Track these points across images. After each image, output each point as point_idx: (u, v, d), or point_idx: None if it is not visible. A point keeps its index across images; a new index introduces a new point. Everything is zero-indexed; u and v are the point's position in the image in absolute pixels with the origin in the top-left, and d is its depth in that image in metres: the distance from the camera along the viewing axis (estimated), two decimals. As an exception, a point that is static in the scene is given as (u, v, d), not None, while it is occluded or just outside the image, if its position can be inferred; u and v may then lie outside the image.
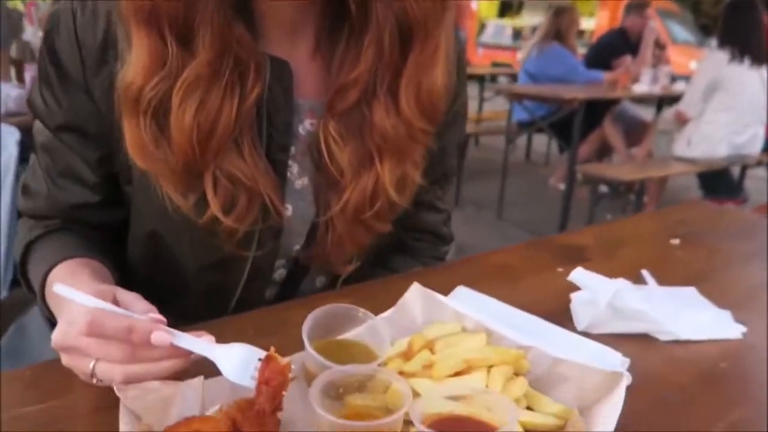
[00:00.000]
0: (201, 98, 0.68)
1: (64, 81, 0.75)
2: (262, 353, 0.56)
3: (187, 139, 0.69)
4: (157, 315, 0.59)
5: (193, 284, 0.83)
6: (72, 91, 0.76)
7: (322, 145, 0.77)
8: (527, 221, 4.44)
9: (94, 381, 0.56)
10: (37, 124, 0.81)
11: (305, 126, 0.81)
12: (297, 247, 0.85)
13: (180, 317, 0.82)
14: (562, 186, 4.77)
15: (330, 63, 0.79)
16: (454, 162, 1.00)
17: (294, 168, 0.82)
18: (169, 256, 0.82)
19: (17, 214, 0.88)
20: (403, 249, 1.00)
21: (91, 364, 0.55)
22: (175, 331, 0.57)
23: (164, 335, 0.55)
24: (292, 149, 0.80)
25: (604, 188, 4.80)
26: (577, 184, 4.43)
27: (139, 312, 0.58)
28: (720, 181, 4.28)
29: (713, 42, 4.07)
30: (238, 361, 0.57)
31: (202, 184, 0.72)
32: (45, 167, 0.81)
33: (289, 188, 0.81)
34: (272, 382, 0.52)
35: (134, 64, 0.68)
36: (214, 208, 0.72)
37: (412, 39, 0.74)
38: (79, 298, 0.57)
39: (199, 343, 0.57)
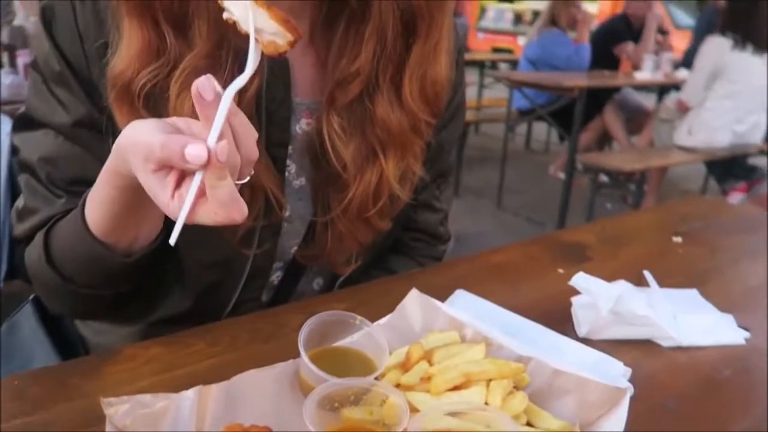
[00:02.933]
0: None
1: (76, 75, 0.72)
2: None
3: None
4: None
5: (192, 284, 0.81)
6: (84, 85, 0.72)
7: (326, 141, 0.75)
8: (527, 210, 4.42)
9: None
10: (30, 139, 0.75)
11: (302, 125, 0.79)
12: (295, 247, 0.83)
13: (176, 317, 0.82)
14: (561, 174, 4.74)
15: (325, 59, 0.76)
16: (451, 159, 0.99)
17: (292, 168, 0.80)
18: (170, 254, 0.80)
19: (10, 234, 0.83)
20: (401, 249, 0.99)
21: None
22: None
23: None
24: (290, 148, 0.78)
25: (604, 177, 4.78)
26: (577, 172, 4.41)
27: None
28: (730, 166, 4.25)
29: (715, 28, 4.02)
30: None
31: None
32: (48, 180, 0.74)
33: (287, 187, 0.79)
34: None
35: (126, 53, 0.66)
36: None
37: (415, 29, 0.72)
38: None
39: None
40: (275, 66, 0.73)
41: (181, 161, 0.49)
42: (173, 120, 0.55)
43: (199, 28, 0.65)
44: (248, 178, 0.55)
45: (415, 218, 0.94)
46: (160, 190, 0.51)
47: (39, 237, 0.73)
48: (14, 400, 0.58)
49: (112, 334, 0.87)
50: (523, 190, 4.87)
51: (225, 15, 0.53)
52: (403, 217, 0.86)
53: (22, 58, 2.33)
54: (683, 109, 4.12)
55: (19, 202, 0.77)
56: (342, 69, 0.73)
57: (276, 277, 0.85)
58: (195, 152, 0.48)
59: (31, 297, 0.96)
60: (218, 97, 0.49)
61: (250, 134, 0.53)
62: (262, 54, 0.69)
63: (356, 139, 0.75)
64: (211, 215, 0.51)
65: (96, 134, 0.73)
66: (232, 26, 0.63)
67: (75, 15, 0.70)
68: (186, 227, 0.72)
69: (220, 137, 0.49)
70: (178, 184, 0.51)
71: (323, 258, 0.83)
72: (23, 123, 0.76)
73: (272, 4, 0.51)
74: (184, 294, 0.81)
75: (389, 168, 0.76)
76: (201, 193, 0.50)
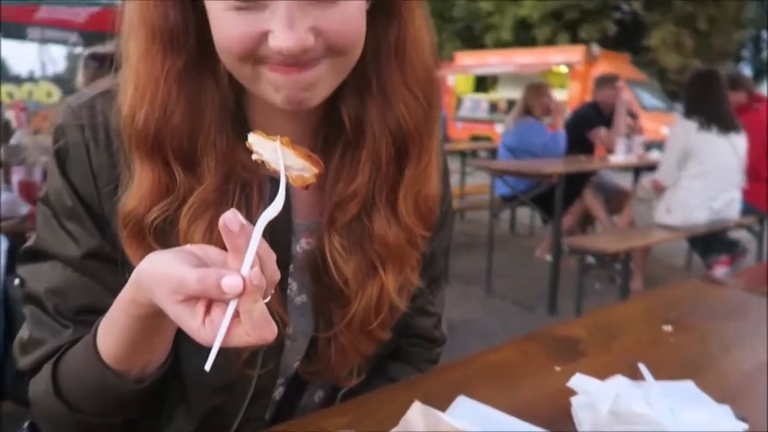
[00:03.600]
0: (210, 220, 0.70)
1: (88, 210, 0.74)
2: None
3: None
4: None
5: (196, 407, 0.81)
6: (95, 221, 0.74)
7: (328, 259, 0.77)
8: (516, 294, 4.44)
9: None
10: (40, 270, 0.76)
11: (302, 245, 0.82)
12: (297, 363, 0.85)
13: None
14: (548, 257, 4.81)
15: (323, 182, 0.80)
16: (441, 265, 1.03)
17: (293, 286, 0.82)
18: (176, 380, 0.80)
19: (19, 374, 0.80)
20: (398, 355, 1.00)
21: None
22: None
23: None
24: (291, 267, 0.81)
25: (590, 258, 4.85)
26: (563, 254, 4.47)
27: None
28: (710, 242, 4.34)
29: (680, 107, 4.22)
30: None
31: None
32: (55, 310, 0.74)
33: (288, 305, 0.81)
34: None
35: (136, 191, 0.69)
36: None
37: (407, 153, 0.77)
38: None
39: None
40: (276, 191, 0.76)
41: (219, 293, 0.52)
42: (190, 248, 0.58)
43: (207, 165, 0.70)
44: (269, 298, 0.58)
45: (411, 324, 0.96)
46: (190, 319, 0.53)
47: (47, 368, 0.74)
48: None
49: None
50: (511, 273, 4.91)
51: (254, 156, 0.58)
52: (401, 324, 0.88)
53: (17, 176, 2.39)
54: (659, 189, 4.26)
55: (24, 333, 0.77)
56: (339, 192, 0.77)
57: (278, 392, 0.86)
58: (232, 283, 0.51)
59: (27, 424, 0.94)
60: (243, 228, 0.52)
61: (271, 258, 0.57)
62: (262, 185, 0.74)
63: (356, 256, 0.78)
64: (243, 337, 0.53)
65: (105, 265, 0.75)
66: (239, 159, 0.68)
67: (89, 155, 0.73)
68: (188, 352, 0.74)
69: (252, 264, 0.52)
70: (207, 310, 0.54)
71: (327, 372, 0.84)
72: (30, 255, 0.77)
73: (274, 134, 0.57)
74: (189, 417, 0.81)
75: (389, 281, 0.79)
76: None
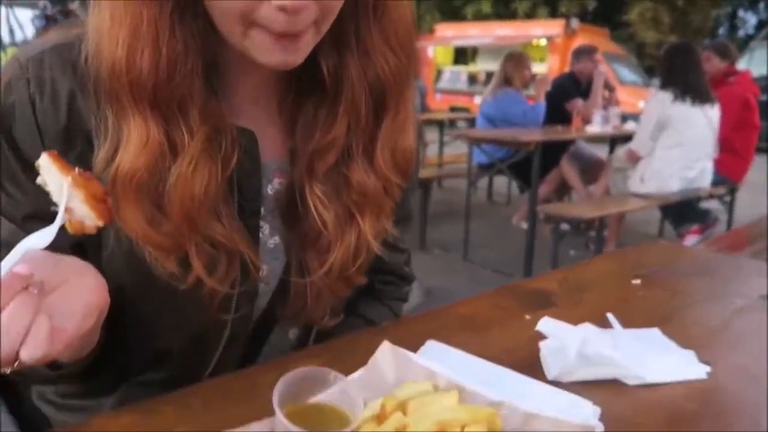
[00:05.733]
0: (194, 174, 0.69)
1: (27, 169, 0.70)
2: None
3: (183, 213, 0.69)
4: None
5: (169, 356, 0.81)
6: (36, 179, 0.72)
7: (311, 208, 0.78)
8: (493, 261, 4.48)
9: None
10: None
11: (274, 185, 0.82)
12: (271, 301, 0.85)
13: (150, 382, 0.81)
14: (524, 225, 4.85)
15: (292, 126, 0.80)
16: (412, 204, 1.04)
17: (265, 228, 0.82)
18: (147, 330, 0.80)
19: None
20: (370, 292, 1.01)
21: None
22: None
23: None
24: (262, 210, 0.81)
25: (565, 226, 4.90)
26: (539, 222, 4.52)
27: None
28: (683, 211, 4.43)
29: (657, 82, 4.27)
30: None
31: (185, 251, 0.72)
32: None
33: (262, 249, 0.81)
34: None
35: (130, 151, 0.66)
36: (198, 271, 0.72)
37: (385, 104, 0.77)
38: None
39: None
40: (245, 143, 0.76)
41: None
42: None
43: (193, 116, 0.68)
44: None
45: (383, 261, 0.96)
46: None
47: None
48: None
49: (78, 411, 0.85)
50: (488, 241, 4.96)
51: (38, 180, 0.55)
52: (372, 261, 0.89)
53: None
54: (634, 159, 4.32)
55: None
56: (318, 140, 0.78)
57: (250, 329, 0.86)
58: None
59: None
60: None
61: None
62: (234, 135, 0.72)
63: (335, 204, 0.79)
64: None
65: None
66: (215, 111, 0.65)
67: (35, 111, 0.70)
68: (169, 297, 0.73)
69: None
70: None
71: (302, 315, 0.85)
72: None
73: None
74: (162, 364, 0.81)
75: (367, 228, 0.80)
76: None
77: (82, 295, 0.58)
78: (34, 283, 0.54)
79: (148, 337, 0.80)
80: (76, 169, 0.54)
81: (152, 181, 0.68)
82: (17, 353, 0.54)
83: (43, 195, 0.69)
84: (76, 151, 0.70)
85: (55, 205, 0.62)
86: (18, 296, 0.54)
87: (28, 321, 0.54)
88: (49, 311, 0.53)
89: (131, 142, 0.66)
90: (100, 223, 0.55)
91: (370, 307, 1.01)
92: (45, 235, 0.54)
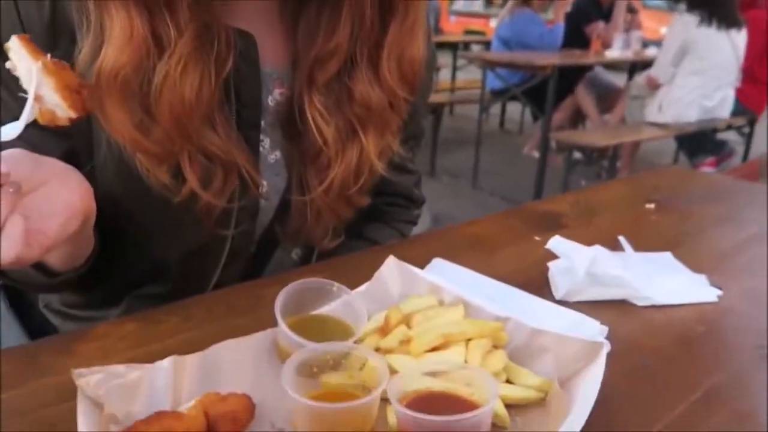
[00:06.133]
0: (183, 75, 0.65)
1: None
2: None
3: (172, 117, 0.65)
4: None
5: (171, 272, 0.80)
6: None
7: (309, 121, 0.74)
8: (503, 190, 4.45)
9: None
10: None
11: (274, 96, 0.78)
12: (273, 218, 0.83)
13: (157, 299, 0.81)
14: (536, 154, 4.78)
15: (293, 31, 0.75)
16: (423, 123, 0.99)
17: (266, 142, 0.79)
18: (144, 240, 0.78)
19: None
20: (376, 215, 0.98)
21: None
22: None
23: None
24: (262, 122, 0.77)
25: (578, 155, 4.83)
26: (551, 151, 4.45)
27: None
28: (699, 141, 4.33)
29: (682, 6, 4.07)
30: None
31: (178, 161, 0.69)
32: None
33: (262, 163, 0.78)
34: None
35: (114, 46, 0.62)
36: (192, 183, 0.69)
37: (392, 7, 0.72)
38: None
39: None
40: (242, 46, 0.71)
41: None
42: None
43: (182, 14, 0.63)
44: None
45: (390, 182, 0.93)
46: None
47: None
48: (-17, 379, 0.57)
49: (84, 321, 0.85)
50: (498, 170, 4.90)
51: (7, 64, 0.50)
52: (380, 183, 0.86)
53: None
54: (653, 86, 4.18)
55: None
56: (319, 47, 0.72)
57: (253, 248, 0.85)
58: None
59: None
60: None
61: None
62: (229, 36, 0.66)
63: (337, 118, 0.75)
64: None
65: (40, 132, 0.68)
66: (208, 10, 0.60)
67: (17, 7, 0.66)
68: (165, 210, 0.71)
69: None
70: None
71: (302, 234, 0.82)
72: None
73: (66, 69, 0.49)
74: (163, 279, 0.80)
75: (369, 145, 0.76)
76: None
77: (63, 197, 0.55)
78: (11, 182, 0.51)
79: (145, 248, 0.78)
80: (48, 56, 0.50)
81: (138, 80, 0.64)
82: None
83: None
84: (60, 50, 0.66)
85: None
86: None
87: (2, 220, 0.51)
88: (25, 212, 0.50)
89: (114, 36, 0.62)
90: (73, 115, 0.51)
91: (376, 230, 0.98)
92: (15, 126, 0.50)
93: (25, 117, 0.50)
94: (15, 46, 0.49)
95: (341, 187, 0.78)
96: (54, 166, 0.55)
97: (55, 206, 0.54)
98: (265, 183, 0.79)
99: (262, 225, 0.83)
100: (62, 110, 0.51)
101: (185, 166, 0.69)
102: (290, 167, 0.80)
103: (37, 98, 0.50)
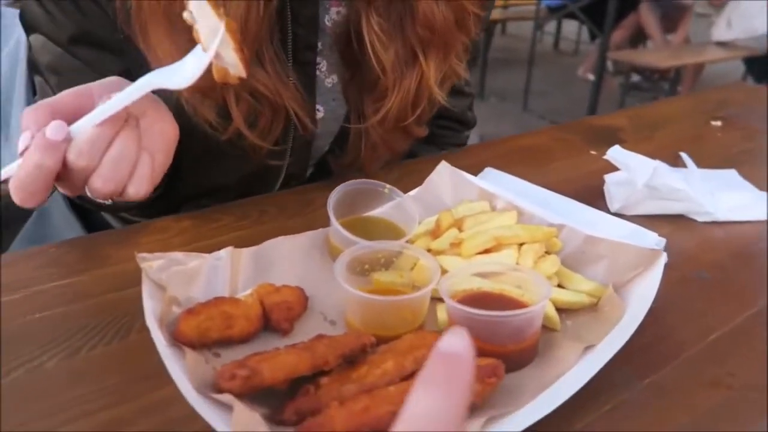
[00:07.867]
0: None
1: None
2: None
3: None
4: None
5: (232, 192, 0.79)
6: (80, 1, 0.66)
7: (367, 45, 0.68)
8: (553, 114, 4.31)
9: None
10: (38, 41, 0.69)
11: (331, 15, 0.73)
12: (328, 146, 0.82)
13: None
14: (591, 76, 4.57)
15: None
16: (479, 41, 0.93)
17: (323, 65, 0.75)
18: (207, 171, 0.78)
19: None
20: (429, 138, 0.93)
21: None
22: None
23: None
24: (319, 44, 0.73)
25: (636, 78, 4.60)
26: (607, 73, 4.24)
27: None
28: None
29: None
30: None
31: (223, 97, 0.66)
32: (59, 90, 0.67)
33: (319, 88, 0.75)
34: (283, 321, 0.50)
35: None
36: (238, 122, 0.66)
37: None
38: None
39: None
40: None
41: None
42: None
43: None
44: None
45: (444, 105, 0.90)
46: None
47: None
48: (49, 267, 0.60)
49: None
50: (550, 92, 4.73)
51: (185, 16, 0.50)
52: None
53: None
54: (720, 1, 3.88)
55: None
56: None
57: (309, 173, 0.84)
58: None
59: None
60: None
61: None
62: None
63: (396, 41, 0.69)
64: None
65: (95, 50, 0.68)
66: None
67: None
68: (208, 151, 0.71)
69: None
70: None
71: (356, 165, 0.80)
72: (25, 24, 0.70)
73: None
74: (221, 199, 0.80)
75: (430, 71, 0.70)
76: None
77: (164, 131, 0.56)
78: (131, 116, 0.52)
79: (202, 173, 0.78)
80: (225, 18, 0.50)
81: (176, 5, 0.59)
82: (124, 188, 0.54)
83: (86, 18, 0.66)
84: None
85: (118, 31, 0.62)
86: (123, 131, 0.53)
87: (135, 157, 0.54)
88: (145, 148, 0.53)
89: None
90: (243, 74, 0.52)
91: (425, 151, 0.95)
92: (182, 77, 0.52)
93: (199, 71, 0.52)
94: (199, 2, 0.50)
95: (397, 118, 0.73)
96: (144, 96, 0.54)
97: (160, 141, 0.56)
98: (321, 108, 0.76)
99: (321, 149, 0.81)
100: (235, 69, 0.52)
101: (231, 104, 0.66)
102: (347, 94, 0.76)
103: (217, 56, 0.51)
